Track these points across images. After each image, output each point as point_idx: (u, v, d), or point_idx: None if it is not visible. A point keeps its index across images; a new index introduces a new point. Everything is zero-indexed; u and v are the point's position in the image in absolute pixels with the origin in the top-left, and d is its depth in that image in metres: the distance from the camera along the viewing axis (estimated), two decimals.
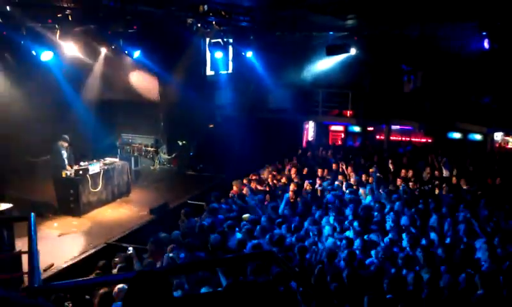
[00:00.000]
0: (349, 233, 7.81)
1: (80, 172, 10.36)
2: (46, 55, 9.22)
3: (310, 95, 17.39)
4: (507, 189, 10.58)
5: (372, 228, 8.08)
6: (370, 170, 11.77)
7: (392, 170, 12.45)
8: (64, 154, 10.50)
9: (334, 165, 12.80)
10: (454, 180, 11.35)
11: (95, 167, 10.80)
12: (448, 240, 7.57)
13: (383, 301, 5.23)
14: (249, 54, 14.14)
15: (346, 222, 8.28)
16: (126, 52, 11.11)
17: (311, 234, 7.79)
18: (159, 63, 13.63)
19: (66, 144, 10.55)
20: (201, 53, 15.76)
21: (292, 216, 8.85)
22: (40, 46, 9.01)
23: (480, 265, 6.45)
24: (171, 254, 6.44)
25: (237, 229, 7.91)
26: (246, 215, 8.84)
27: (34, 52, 9.16)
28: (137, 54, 11.03)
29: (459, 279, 5.80)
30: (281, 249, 6.83)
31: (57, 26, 9.23)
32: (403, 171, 12.00)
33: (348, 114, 17.33)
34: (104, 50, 11.86)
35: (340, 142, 18.59)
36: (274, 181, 11.56)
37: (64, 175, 10.30)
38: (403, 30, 13.69)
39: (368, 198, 10.07)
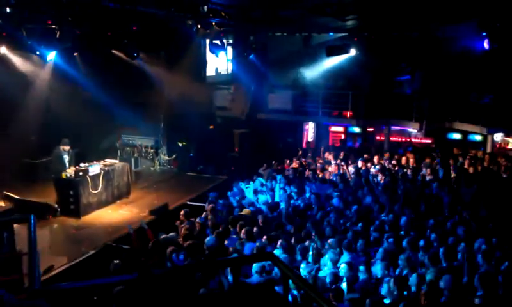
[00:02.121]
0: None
1: (80, 173, 10.36)
2: (52, 55, 9.29)
3: (309, 96, 17.39)
4: (506, 189, 10.57)
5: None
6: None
7: (393, 171, 12.43)
8: (66, 158, 10.49)
9: (335, 167, 12.79)
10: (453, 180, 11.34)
11: (95, 169, 10.79)
12: (448, 241, 7.54)
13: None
14: (249, 55, 14.14)
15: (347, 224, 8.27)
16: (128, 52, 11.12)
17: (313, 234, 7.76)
18: (158, 64, 13.63)
19: (67, 148, 10.54)
20: (201, 54, 15.78)
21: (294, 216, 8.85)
22: (43, 46, 9.06)
23: (480, 266, 6.44)
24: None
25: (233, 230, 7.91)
26: (246, 210, 8.86)
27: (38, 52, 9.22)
28: (136, 55, 11.02)
29: (459, 280, 5.79)
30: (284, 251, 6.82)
31: (56, 27, 9.25)
32: (403, 171, 11.99)
33: (348, 115, 17.33)
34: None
35: (338, 144, 18.53)
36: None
37: (64, 176, 10.30)
38: (403, 30, 13.70)
39: (368, 199, 10.05)
